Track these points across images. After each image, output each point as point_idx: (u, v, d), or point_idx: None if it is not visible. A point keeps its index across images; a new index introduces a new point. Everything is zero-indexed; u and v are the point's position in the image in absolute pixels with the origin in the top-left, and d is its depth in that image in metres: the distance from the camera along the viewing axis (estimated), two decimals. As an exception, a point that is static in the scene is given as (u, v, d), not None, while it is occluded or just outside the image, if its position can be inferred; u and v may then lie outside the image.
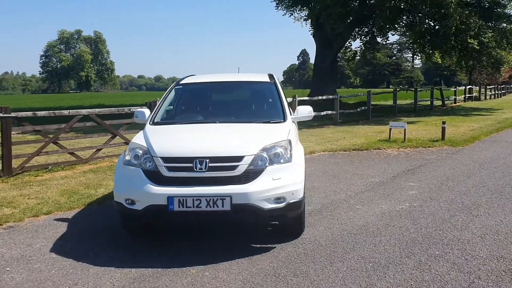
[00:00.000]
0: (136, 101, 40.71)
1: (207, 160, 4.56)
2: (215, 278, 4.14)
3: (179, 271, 4.30)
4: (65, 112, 10.07)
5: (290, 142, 5.01)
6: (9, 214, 6.26)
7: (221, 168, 4.56)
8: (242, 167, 4.57)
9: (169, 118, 5.90)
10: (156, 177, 4.63)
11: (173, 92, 6.36)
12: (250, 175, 4.58)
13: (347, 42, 29.17)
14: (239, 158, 4.60)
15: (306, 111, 6.00)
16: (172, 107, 6.28)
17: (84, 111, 10.29)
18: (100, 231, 5.53)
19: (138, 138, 5.15)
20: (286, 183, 4.68)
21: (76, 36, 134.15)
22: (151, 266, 4.42)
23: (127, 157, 4.86)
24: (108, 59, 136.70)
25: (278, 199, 4.62)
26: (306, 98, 19.61)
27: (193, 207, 4.45)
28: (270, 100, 6.13)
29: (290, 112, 5.92)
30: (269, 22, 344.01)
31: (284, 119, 5.64)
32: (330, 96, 19.72)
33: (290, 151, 4.91)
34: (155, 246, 5.02)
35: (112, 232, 5.43)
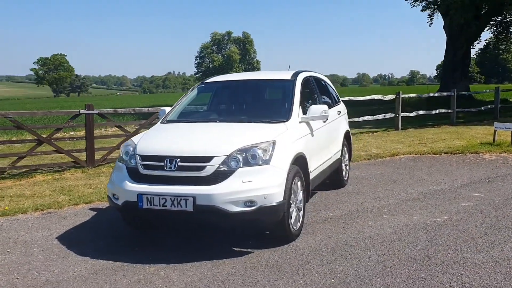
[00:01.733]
0: None
1: (178, 160, 4.57)
2: (164, 278, 4.15)
3: (139, 267, 4.39)
4: (145, 109, 10.83)
5: (274, 143, 4.76)
6: (59, 201, 6.98)
7: (190, 168, 4.54)
8: (210, 167, 4.49)
9: (180, 117, 6.01)
10: (134, 174, 4.78)
11: (195, 91, 6.47)
12: (219, 177, 4.47)
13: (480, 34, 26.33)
14: (207, 159, 4.52)
15: (318, 111, 5.64)
16: (190, 105, 6.38)
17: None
18: (112, 223, 5.86)
19: (136, 136, 5.36)
20: (258, 186, 4.48)
21: (227, 37, 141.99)
22: (120, 260, 4.58)
23: (120, 154, 5.10)
24: (255, 59, 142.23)
25: (247, 203, 4.44)
26: (412, 95, 18.27)
27: (159, 205, 4.51)
28: (282, 98, 5.87)
29: (300, 112, 5.61)
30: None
31: (287, 119, 5.37)
32: (445, 93, 18.04)
33: (271, 152, 4.67)
34: (143, 240, 5.19)
35: (119, 225, 5.70)
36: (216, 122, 5.50)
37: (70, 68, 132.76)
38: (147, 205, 4.55)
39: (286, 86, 5.95)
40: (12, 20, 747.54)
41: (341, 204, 6.55)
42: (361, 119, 14.96)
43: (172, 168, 4.56)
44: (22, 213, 6.37)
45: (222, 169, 4.48)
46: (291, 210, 4.91)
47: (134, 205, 4.63)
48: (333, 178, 7.34)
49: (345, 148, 7.63)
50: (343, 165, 7.52)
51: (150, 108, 10.91)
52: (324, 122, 6.33)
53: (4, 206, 6.72)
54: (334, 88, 7.88)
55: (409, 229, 5.37)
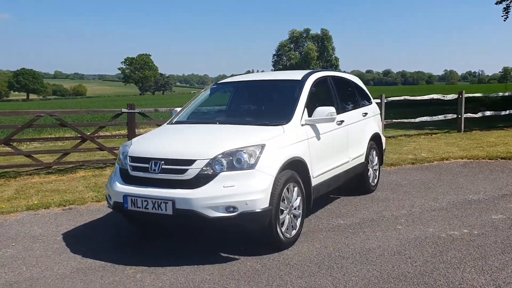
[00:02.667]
0: None
1: (162, 162, 4.54)
2: (137, 281, 4.13)
3: (120, 269, 4.42)
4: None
5: (262, 147, 4.58)
6: (86, 197, 7.25)
7: (173, 170, 4.49)
8: (192, 171, 4.41)
9: (187, 118, 5.97)
10: (125, 176, 4.82)
11: (208, 91, 6.42)
12: (201, 180, 4.38)
13: None
14: (190, 162, 4.44)
15: (323, 113, 5.35)
16: (201, 106, 6.34)
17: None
18: (118, 223, 5.95)
19: (136, 137, 5.41)
20: (240, 191, 4.33)
21: (305, 35, 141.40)
22: (107, 260, 4.64)
23: (119, 154, 5.17)
24: (333, 56, 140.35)
25: (229, 208, 4.31)
26: (478, 95, 16.95)
27: (142, 208, 4.50)
28: (288, 100, 5.64)
29: (305, 114, 5.36)
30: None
31: (287, 121, 5.15)
32: (506, 93, 16.56)
33: (258, 156, 4.50)
34: (139, 241, 5.23)
35: (124, 224, 5.78)
36: (216, 124, 5.41)
37: (154, 67, 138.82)
38: (132, 206, 4.57)
39: (294, 87, 5.72)
40: (102, 22, 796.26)
41: (357, 211, 6.20)
42: (418, 120, 14.16)
43: (156, 170, 4.54)
44: (45, 208, 6.69)
45: (204, 172, 4.38)
46: (281, 217, 4.70)
47: (121, 206, 4.67)
48: (357, 184, 6.98)
49: (374, 152, 7.22)
50: (370, 170, 7.12)
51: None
52: (339, 124, 6.02)
53: (35, 200, 7.09)
54: (364, 89, 7.49)
55: (417, 242, 4.95)
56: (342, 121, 6.12)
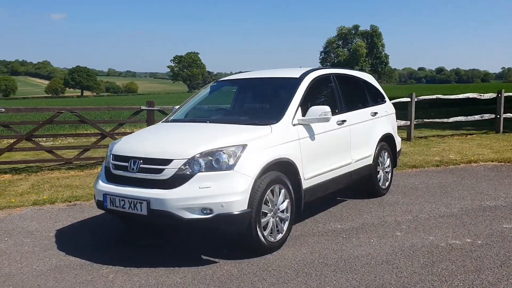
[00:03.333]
0: (399, 94, 37.43)
1: (140, 161, 4.48)
2: (108, 282, 4.07)
3: (96, 268, 4.38)
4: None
5: (244, 147, 4.43)
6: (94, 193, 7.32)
7: (150, 170, 4.41)
8: (169, 171, 4.31)
9: (184, 116, 5.88)
10: (108, 174, 4.80)
11: (207, 89, 6.32)
12: (177, 181, 4.27)
13: None
14: (167, 162, 4.35)
15: (317, 113, 5.12)
16: (200, 104, 6.23)
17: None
18: (114, 220, 5.96)
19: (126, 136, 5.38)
20: (216, 193, 4.19)
21: (353, 31, 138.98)
22: (87, 258, 4.62)
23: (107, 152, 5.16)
24: (383, 52, 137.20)
25: (204, 210, 4.19)
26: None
27: (120, 207, 4.46)
28: (281, 98, 5.44)
29: (298, 113, 5.16)
30: None
31: (277, 121, 4.97)
32: None
33: (238, 157, 4.34)
34: (129, 240, 5.21)
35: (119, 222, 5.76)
36: (206, 123, 5.29)
37: (202, 65, 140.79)
38: (110, 205, 4.54)
39: (289, 85, 5.52)
40: (153, 20, 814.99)
41: (360, 215, 5.93)
42: (451, 120, 13.50)
43: (135, 169, 4.48)
44: (50, 204, 6.80)
45: (181, 173, 4.27)
46: (264, 220, 4.53)
47: (102, 205, 4.65)
48: (364, 186, 6.69)
49: (385, 153, 6.89)
50: (381, 172, 6.80)
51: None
52: (340, 124, 5.77)
53: (45, 195, 7.24)
54: (376, 87, 7.15)
55: (411, 251, 4.65)
56: (343, 121, 5.86)
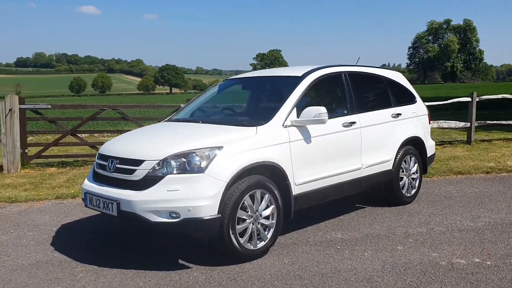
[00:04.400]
0: (493, 92, 32.90)
1: (117, 161, 4.45)
2: (76, 281, 4.06)
3: (71, 266, 4.39)
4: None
5: (219, 149, 4.23)
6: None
7: (124, 170, 4.36)
8: (140, 172, 4.23)
9: (183, 115, 5.76)
10: (93, 173, 4.83)
11: (216, 88, 6.17)
12: (147, 182, 4.18)
13: None
14: (138, 162, 4.27)
15: (311, 114, 4.79)
16: (207, 104, 6.09)
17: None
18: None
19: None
20: (183, 196, 4.04)
21: (445, 26, 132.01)
22: (69, 255, 4.65)
23: None
24: (477, 48, 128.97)
25: (172, 214, 4.06)
26: None
27: (96, 206, 4.46)
28: (277, 98, 5.14)
29: (293, 114, 4.86)
30: None
31: (266, 121, 4.71)
32: None
33: (211, 159, 4.16)
34: (119, 239, 5.22)
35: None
36: (198, 123, 5.15)
37: (284, 62, 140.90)
38: (89, 204, 4.56)
39: (289, 85, 5.21)
40: (239, 19, 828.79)
41: (369, 225, 5.50)
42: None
43: (111, 169, 4.46)
44: (72, 198, 7.03)
45: (153, 174, 4.17)
46: (240, 227, 4.30)
47: (84, 202, 4.70)
48: (384, 193, 6.22)
49: (412, 158, 6.34)
50: (405, 179, 6.27)
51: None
52: (347, 126, 5.37)
53: (72, 189, 7.50)
54: (403, 86, 6.60)
55: (403, 268, 4.21)
56: (352, 123, 5.45)
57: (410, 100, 6.61)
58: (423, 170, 6.66)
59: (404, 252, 4.61)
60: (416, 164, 6.46)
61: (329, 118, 5.16)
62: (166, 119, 5.79)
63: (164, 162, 4.16)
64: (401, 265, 4.28)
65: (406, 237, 5.05)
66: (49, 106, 9.41)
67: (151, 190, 4.12)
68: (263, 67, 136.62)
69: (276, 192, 4.57)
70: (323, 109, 4.80)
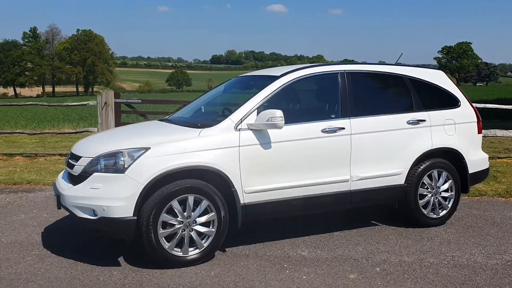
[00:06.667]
0: None
1: (69, 156, 4.72)
2: (32, 272, 4.32)
3: (31, 249, 4.77)
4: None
5: (146, 150, 4.16)
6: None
7: (70, 165, 4.59)
8: (77, 168, 4.40)
9: (173, 115, 5.70)
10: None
11: (222, 87, 6.01)
12: (81, 178, 4.34)
13: None
14: (78, 158, 4.45)
15: (265, 117, 4.39)
16: (209, 103, 5.93)
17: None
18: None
19: None
20: (101, 195, 4.11)
21: None
22: (47, 240, 5.08)
23: None
24: None
25: (91, 211, 4.16)
26: None
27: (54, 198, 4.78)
28: (244, 100, 4.78)
29: (251, 117, 4.52)
30: None
31: (215, 124, 4.49)
32: None
33: (134, 160, 4.14)
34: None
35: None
36: (170, 123, 5.10)
37: (474, 56, 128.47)
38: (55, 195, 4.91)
39: (261, 85, 4.83)
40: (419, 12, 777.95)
41: (353, 245, 4.83)
42: None
43: (66, 163, 4.74)
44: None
45: (86, 171, 4.31)
46: (166, 231, 4.18)
47: None
48: (400, 212, 5.39)
49: (442, 174, 5.34)
50: (429, 196, 5.31)
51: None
52: (329, 132, 4.78)
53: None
54: (440, 87, 5.54)
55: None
56: (340, 129, 4.83)
57: (449, 104, 5.55)
58: (462, 188, 5.55)
59: (351, 282, 3.95)
60: (450, 181, 5.41)
61: (306, 123, 4.73)
62: (165, 118, 5.88)
63: (96, 160, 4.27)
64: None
65: (377, 266, 4.31)
66: (140, 101, 10.29)
67: (79, 186, 4.28)
68: (448, 61, 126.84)
69: (217, 199, 4.33)
70: (278, 113, 4.37)
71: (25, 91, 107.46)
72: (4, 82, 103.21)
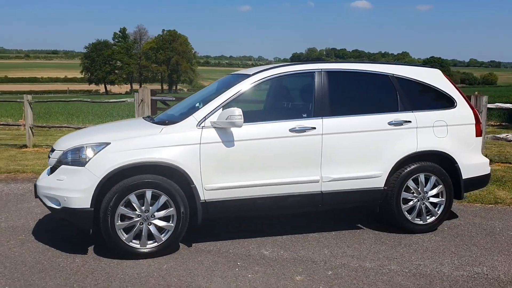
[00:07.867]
0: None
1: (51, 148, 5.05)
2: (12, 257, 4.83)
3: (19, 233, 5.19)
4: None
5: (106, 145, 4.37)
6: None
7: (49, 157, 4.92)
8: (52, 160, 4.71)
9: (168, 113, 5.85)
10: None
11: (215, 85, 6.07)
12: (53, 170, 4.64)
13: None
14: (53, 151, 4.77)
15: (225, 115, 4.42)
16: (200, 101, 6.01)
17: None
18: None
19: None
20: (64, 186, 4.37)
21: None
22: (38, 226, 5.50)
23: None
24: None
25: (57, 201, 4.44)
26: None
27: None
28: (212, 98, 4.83)
29: (215, 115, 4.57)
30: None
31: (179, 121, 4.63)
32: None
33: (94, 154, 4.35)
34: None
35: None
36: (147, 120, 5.25)
37: None
38: None
39: (233, 83, 4.87)
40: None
41: (318, 247, 4.73)
42: None
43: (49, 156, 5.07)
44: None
45: (58, 163, 4.60)
46: (123, 223, 4.35)
47: None
48: (380, 215, 5.20)
49: (429, 178, 5.06)
50: (415, 201, 5.05)
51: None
52: (298, 132, 4.70)
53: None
54: (432, 88, 5.23)
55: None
56: (311, 128, 4.74)
57: (442, 104, 5.23)
58: (456, 194, 5.21)
59: (293, 284, 3.89)
60: (440, 186, 5.11)
61: (274, 122, 4.73)
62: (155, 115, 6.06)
63: (64, 154, 4.55)
64: (257, 297, 3.67)
65: (331, 270, 4.20)
66: (174, 99, 10.63)
67: (49, 177, 4.60)
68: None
69: (176, 194, 4.44)
70: (237, 111, 4.39)
71: (114, 89, 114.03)
72: (96, 80, 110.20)
